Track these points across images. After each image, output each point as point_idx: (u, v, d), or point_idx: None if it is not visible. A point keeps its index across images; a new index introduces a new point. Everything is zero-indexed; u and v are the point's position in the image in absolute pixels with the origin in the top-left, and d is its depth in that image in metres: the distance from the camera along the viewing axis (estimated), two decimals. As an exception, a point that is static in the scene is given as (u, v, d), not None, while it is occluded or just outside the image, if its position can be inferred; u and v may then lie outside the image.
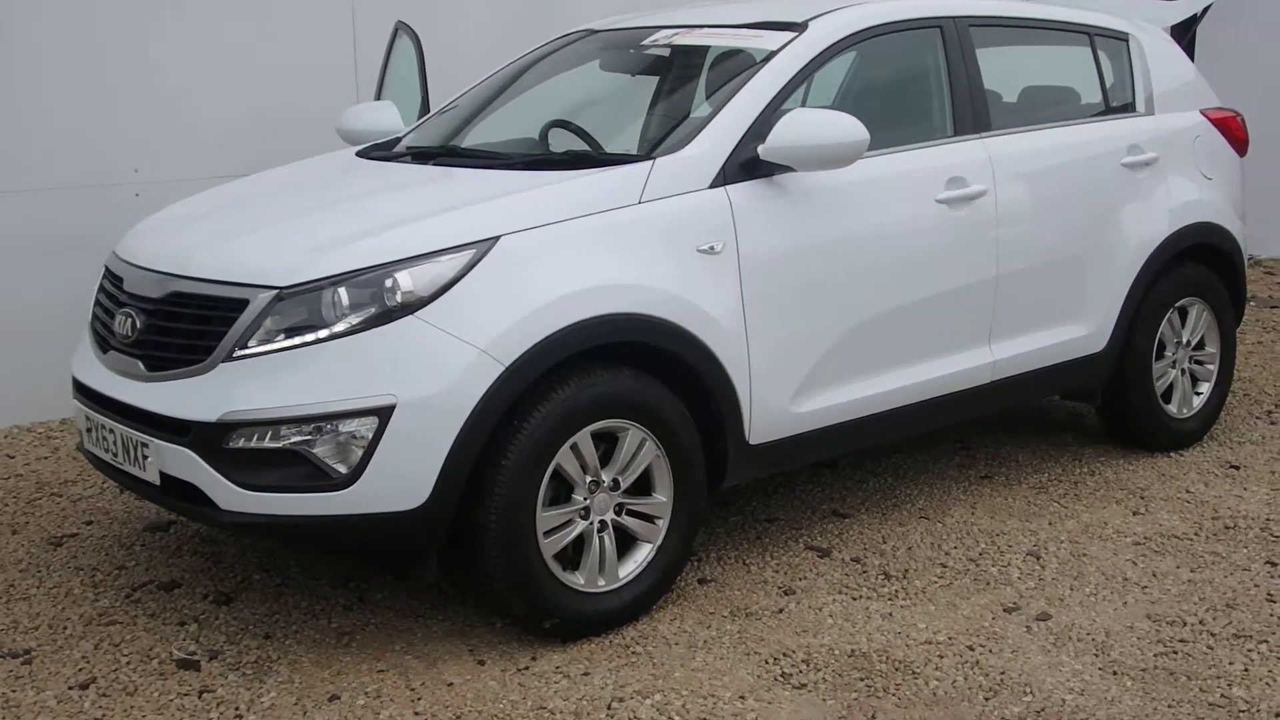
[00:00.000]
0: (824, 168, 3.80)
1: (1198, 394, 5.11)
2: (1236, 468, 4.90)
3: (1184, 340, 5.03)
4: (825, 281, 3.91)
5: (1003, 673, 3.39)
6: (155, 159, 5.63)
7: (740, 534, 4.31)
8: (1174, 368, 5.02)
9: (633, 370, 3.55)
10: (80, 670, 3.43)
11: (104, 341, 3.68)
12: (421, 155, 4.30)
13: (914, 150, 4.23)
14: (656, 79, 4.55)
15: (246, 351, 3.28)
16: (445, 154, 4.28)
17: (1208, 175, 5.02)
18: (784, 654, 3.49)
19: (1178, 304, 4.95)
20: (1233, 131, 5.17)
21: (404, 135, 4.67)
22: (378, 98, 5.47)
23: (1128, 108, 4.95)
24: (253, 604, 3.81)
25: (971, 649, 3.51)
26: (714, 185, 3.72)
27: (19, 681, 3.37)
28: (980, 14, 4.54)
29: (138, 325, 3.52)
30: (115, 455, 3.56)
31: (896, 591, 3.87)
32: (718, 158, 3.74)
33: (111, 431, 3.54)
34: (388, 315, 3.26)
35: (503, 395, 3.29)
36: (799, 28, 4.11)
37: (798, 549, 4.18)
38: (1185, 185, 4.92)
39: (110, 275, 3.80)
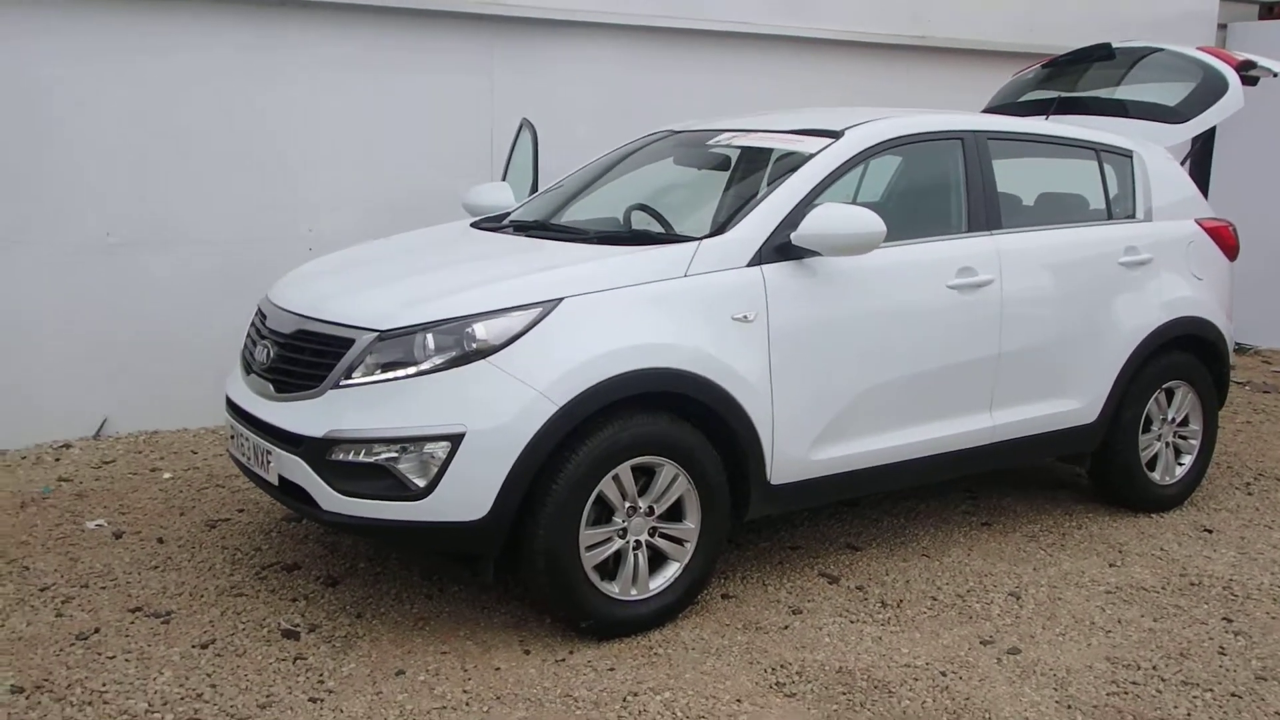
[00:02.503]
0: (846, 254, 3.67)
1: (1180, 465, 4.78)
2: (1210, 531, 4.55)
3: (1169, 417, 4.71)
4: (843, 350, 3.76)
5: (968, 698, 3.19)
6: (329, 221, 5.75)
7: (765, 558, 4.15)
8: (1159, 440, 4.70)
9: (670, 415, 3.45)
10: (205, 632, 3.45)
11: (249, 366, 3.72)
12: (522, 228, 4.27)
13: (930, 242, 4.05)
14: (718, 172, 4.45)
15: (351, 381, 3.27)
16: (539, 228, 4.24)
17: (1198, 276, 4.71)
18: (781, 665, 3.34)
19: (1165, 385, 4.64)
20: (1224, 239, 4.83)
21: (512, 211, 4.65)
22: (503, 179, 5.48)
23: (1129, 215, 4.68)
24: (354, 587, 3.79)
25: (944, 675, 3.32)
26: (751, 264, 3.61)
27: (155, 638, 3.41)
28: (997, 129, 4.35)
29: (272, 355, 3.55)
30: (249, 458, 3.59)
31: (890, 618, 3.68)
32: (755, 242, 3.64)
33: (247, 439, 3.57)
34: (465, 358, 3.23)
35: (555, 430, 3.23)
36: (836, 135, 3.99)
37: (811, 574, 4.01)
38: (1177, 283, 4.63)
39: (260, 313, 3.84)
